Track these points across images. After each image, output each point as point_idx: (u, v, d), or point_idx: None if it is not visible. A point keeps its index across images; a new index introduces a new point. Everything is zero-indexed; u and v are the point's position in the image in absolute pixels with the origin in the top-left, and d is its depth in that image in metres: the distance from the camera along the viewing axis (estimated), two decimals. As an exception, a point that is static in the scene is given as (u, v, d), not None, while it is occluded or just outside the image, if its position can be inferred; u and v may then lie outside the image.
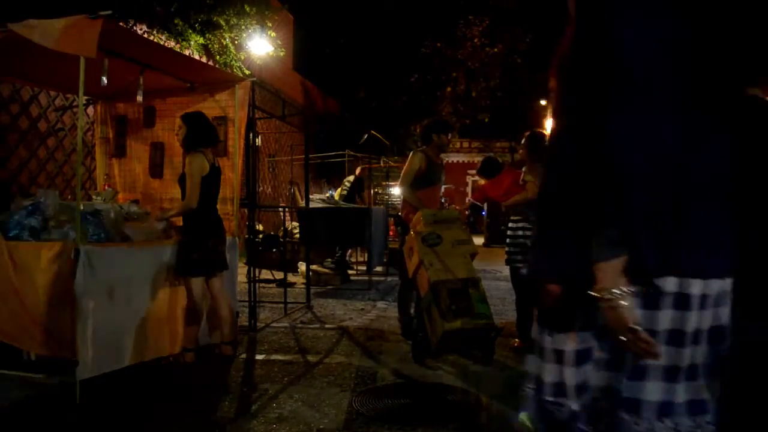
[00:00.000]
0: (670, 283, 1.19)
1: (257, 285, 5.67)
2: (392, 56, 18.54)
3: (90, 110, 5.99)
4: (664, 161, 1.18)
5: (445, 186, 4.92)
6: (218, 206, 4.24)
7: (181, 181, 4.03)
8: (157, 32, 7.84)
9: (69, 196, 6.59)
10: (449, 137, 4.80)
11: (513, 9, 17.16)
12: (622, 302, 1.15)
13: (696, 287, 1.19)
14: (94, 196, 4.60)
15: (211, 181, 4.03)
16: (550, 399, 1.32)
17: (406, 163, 4.72)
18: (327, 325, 5.26)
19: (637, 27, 1.17)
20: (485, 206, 18.43)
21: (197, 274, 4.00)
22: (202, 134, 4.02)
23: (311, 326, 5.27)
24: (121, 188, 5.40)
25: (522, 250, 4.59)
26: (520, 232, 4.63)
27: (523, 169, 4.66)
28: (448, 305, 3.84)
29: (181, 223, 4.18)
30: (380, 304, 6.60)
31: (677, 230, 1.18)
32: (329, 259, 8.65)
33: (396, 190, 4.59)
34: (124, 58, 4.02)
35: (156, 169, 5.33)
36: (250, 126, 5.36)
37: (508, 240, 4.73)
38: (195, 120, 4.04)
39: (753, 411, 1.44)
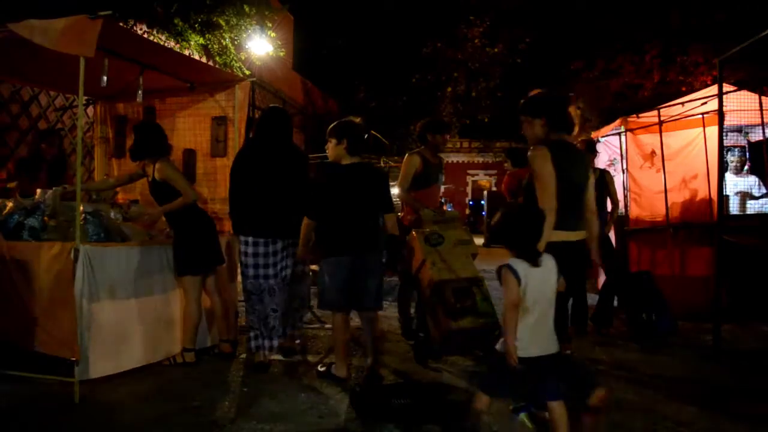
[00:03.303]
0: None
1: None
2: (392, 56, 18.50)
3: (90, 110, 5.99)
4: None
5: (445, 186, 4.90)
6: (217, 206, 4.22)
7: (155, 190, 4.04)
8: (157, 32, 7.82)
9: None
10: (443, 137, 4.74)
11: (513, 9, 17.13)
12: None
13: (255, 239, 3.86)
14: (93, 196, 4.59)
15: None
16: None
17: (402, 166, 4.72)
18: (327, 325, 5.25)
19: None
20: (485, 206, 18.43)
21: (193, 273, 4.00)
22: (158, 142, 4.08)
23: (311, 326, 5.26)
24: (121, 188, 5.39)
25: None
26: None
27: None
28: (454, 304, 3.83)
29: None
30: (380, 304, 6.58)
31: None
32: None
33: (396, 191, 4.59)
34: (124, 58, 4.02)
35: (156, 169, 5.32)
36: (250, 126, 5.36)
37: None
38: (148, 130, 4.12)
39: None
